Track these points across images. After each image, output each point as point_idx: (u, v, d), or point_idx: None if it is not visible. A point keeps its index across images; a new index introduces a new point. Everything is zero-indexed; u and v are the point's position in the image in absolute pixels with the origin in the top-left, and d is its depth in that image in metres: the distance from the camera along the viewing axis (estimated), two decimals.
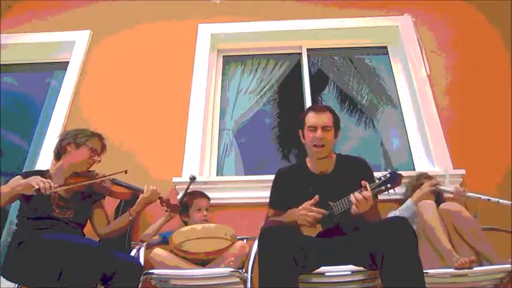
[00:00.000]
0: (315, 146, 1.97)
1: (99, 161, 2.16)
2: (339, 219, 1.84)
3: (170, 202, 2.18)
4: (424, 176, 2.37)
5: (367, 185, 1.73)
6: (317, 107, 2.16)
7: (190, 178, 2.49)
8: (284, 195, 2.03)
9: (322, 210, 1.83)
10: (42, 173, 2.07)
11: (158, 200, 2.13)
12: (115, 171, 2.16)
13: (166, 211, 2.22)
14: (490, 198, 2.13)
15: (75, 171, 2.09)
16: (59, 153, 2.14)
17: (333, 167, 2.05)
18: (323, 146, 1.96)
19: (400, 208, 2.25)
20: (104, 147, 2.20)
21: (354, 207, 1.72)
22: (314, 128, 1.97)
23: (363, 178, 1.77)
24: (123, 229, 2.14)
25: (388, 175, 1.73)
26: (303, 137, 2.06)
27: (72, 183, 2.02)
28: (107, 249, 1.83)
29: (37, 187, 1.77)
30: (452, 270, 1.82)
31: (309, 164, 2.09)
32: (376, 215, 1.85)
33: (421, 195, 2.22)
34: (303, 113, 2.12)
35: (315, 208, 1.82)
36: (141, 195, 2.08)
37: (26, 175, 1.97)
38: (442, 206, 2.11)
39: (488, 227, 2.20)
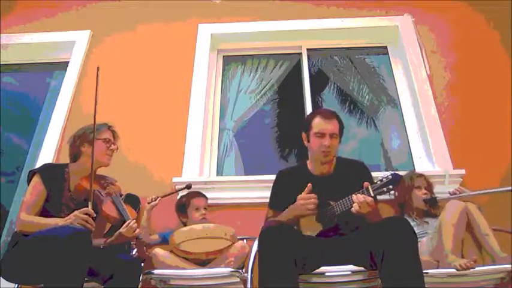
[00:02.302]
0: (322, 151, 1.99)
1: (117, 148, 2.15)
2: (339, 219, 1.85)
3: (142, 246, 2.07)
4: (417, 175, 2.36)
5: (369, 186, 1.74)
6: (325, 112, 2.09)
7: (186, 186, 2.45)
8: (284, 196, 2.03)
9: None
10: (62, 168, 2.07)
11: (135, 240, 2.02)
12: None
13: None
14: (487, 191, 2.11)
15: (98, 167, 2.10)
16: (75, 157, 2.10)
17: (333, 169, 2.07)
18: (330, 152, 1.99)
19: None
20: (115, 133, 2.19)
21: (355, 205, 1.73)
22: (322, 135, 1.98)
23: (362, 180, 1.79)
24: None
25: (390, 176, 1.73)
26: (307, 140, 2.07)
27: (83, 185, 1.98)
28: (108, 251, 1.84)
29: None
30: (451, 270, 1.81)
31: (309, 166, 2.11)
32: (376, 215, 1.85)
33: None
34: (309, 116, 2.13)
35: (312, 194, 1.85)
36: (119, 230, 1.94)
37: (46, 171, 1.99)
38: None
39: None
